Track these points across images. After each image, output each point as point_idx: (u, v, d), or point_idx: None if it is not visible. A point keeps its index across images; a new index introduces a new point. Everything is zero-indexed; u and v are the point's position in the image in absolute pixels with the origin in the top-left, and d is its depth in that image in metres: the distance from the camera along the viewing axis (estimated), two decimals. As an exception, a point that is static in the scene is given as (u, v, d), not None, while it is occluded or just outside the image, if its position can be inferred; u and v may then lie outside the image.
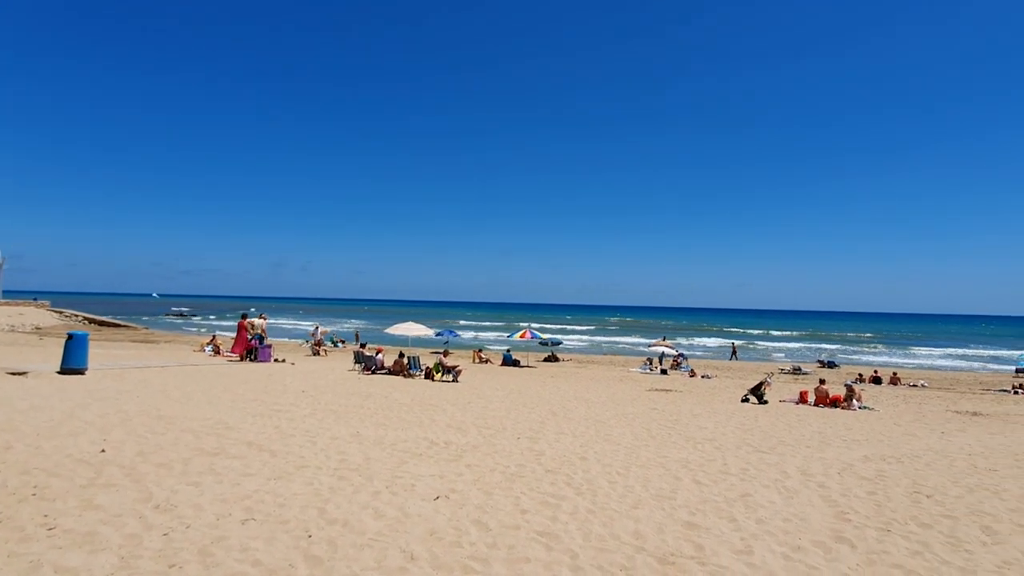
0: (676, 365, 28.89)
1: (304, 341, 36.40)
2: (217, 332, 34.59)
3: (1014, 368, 32.62)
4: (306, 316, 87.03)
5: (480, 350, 31.14)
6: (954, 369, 37.07)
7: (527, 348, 33.53)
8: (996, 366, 38.78)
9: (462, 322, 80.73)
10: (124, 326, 50.34)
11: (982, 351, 52.35)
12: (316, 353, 28.98)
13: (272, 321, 35.78)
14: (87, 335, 14.80)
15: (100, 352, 21.96)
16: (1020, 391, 22.43)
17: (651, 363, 29.01)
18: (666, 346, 30.87)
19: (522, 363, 28.39)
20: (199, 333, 47.09)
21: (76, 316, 53.11)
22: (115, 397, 10.98)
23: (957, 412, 15.69)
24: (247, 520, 4.98)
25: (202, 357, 23.30)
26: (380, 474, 6.72)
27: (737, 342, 48.50)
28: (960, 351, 52.28)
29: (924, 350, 53.12)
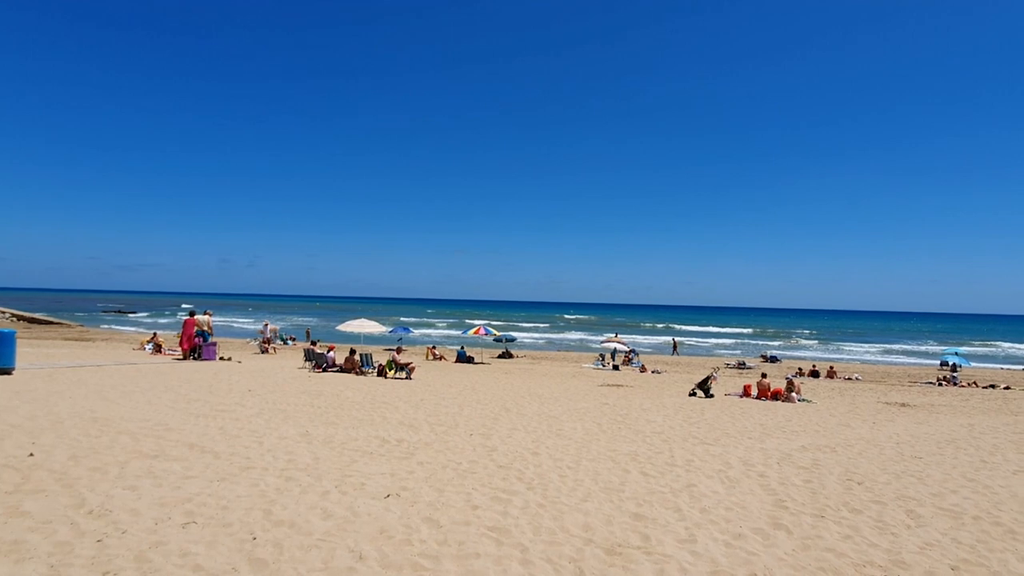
0: (628, 361, 29.46)
1: (252, 339, 35.34)
2: (158, 330, 33.17)
3: (939, 362, 34.69)
4: (254, 313, 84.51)
5: (434, 347, 30.97)
6: (886, 363, 39.17)
7: (481, 345, 33.56)
8: (923, 360, 41.19)
9: (416, 319, 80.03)
10: (56, 323, 47.64)
11: (912, 346, 55.47)
12: (265, 351, 28.21)
13: (218, 318, 34.63)
14: (14, 333, 13.97)
15: (29, 351, 20.75)
16: (944, 383, 23.92)
17: (603, 359, 29.50)
18: (618, 342, 31.40)
19: (476, 360, 28.40)
20: (138, 331, 45.05)
21: (3, 313, 49.94)
22: (45, 398, 10.42)
23: (887, 403, 16.60)
24: (188, 524, 4.82)
25: (142, 356, 22.34)
26: (329, 473, 6.62)
27: (683, 339, 49.82)
28: (892, 346, 55.25)
29: (859, 346, 55.90)
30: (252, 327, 48.85)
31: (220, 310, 73.52)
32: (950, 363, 29.77)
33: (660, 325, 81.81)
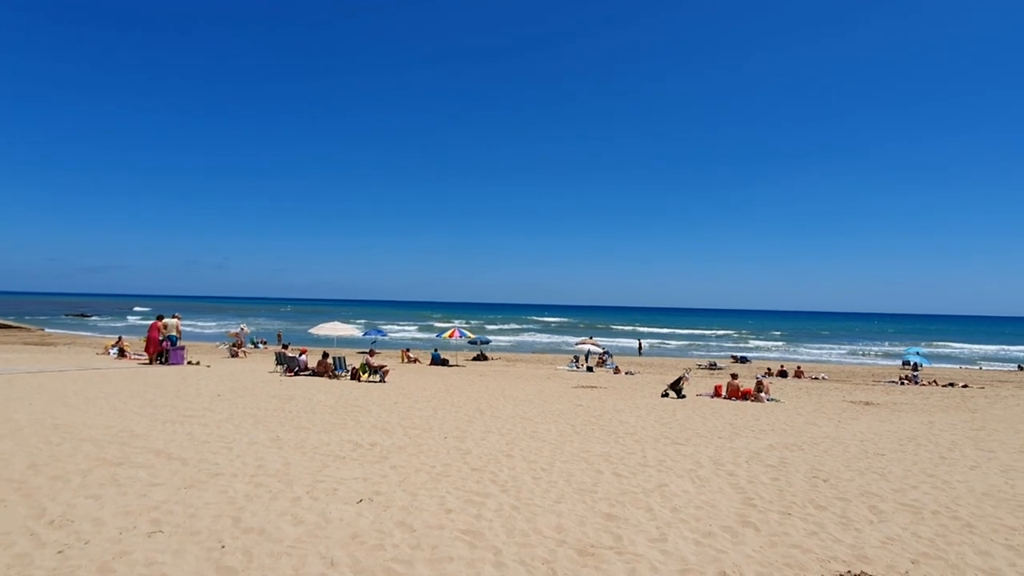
0: (602, 362, 29.68)
1: (221, 342, 34.64)
2: (122, 334, 32.31)
3: (901, 361, 35.74)
4: (223, 316, 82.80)
5: (408, 350, 30.76)
6: (851, 363, 40.19)
7: (456, 347, 33.47)
8: (886, 360, 42.38)
9: (390, 321, 79.37)
10: (16, 327, 46.02)
11: (876, 347, 57.02)
12: (235, 355, 27.68)
13: (187, 322, 33.86)
14: (-31, 338, 13.46)
15: (-15, 356, 20.00)
16: (906, 382, 24.66)
17: (578, 361, 29.67)
18: (592, 344, 31.64)
19: (451, 362, 28.31)
20: (102, 335, 43.78)
21: (-43, 317, 48.05)
22: (3, 404, 10.08)
23: (852, 402, 17.05)
24: (154, 533, 4.72)
25: (106, 360, 21.74)
26: (300, 479, 6.53)
27: (656, 341, 50.37)
28: (857, 347, 56.71)
29: (826, 346, 57.25)
30: (220, 330, 47.82)
31: (188, 313, 71.90)
32: (911, 362, 30.71)
33: (627, 327, 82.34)
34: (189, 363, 20.79)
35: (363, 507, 5.65)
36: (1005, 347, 57.01)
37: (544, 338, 60.02)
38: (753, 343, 58.86)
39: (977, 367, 37.58)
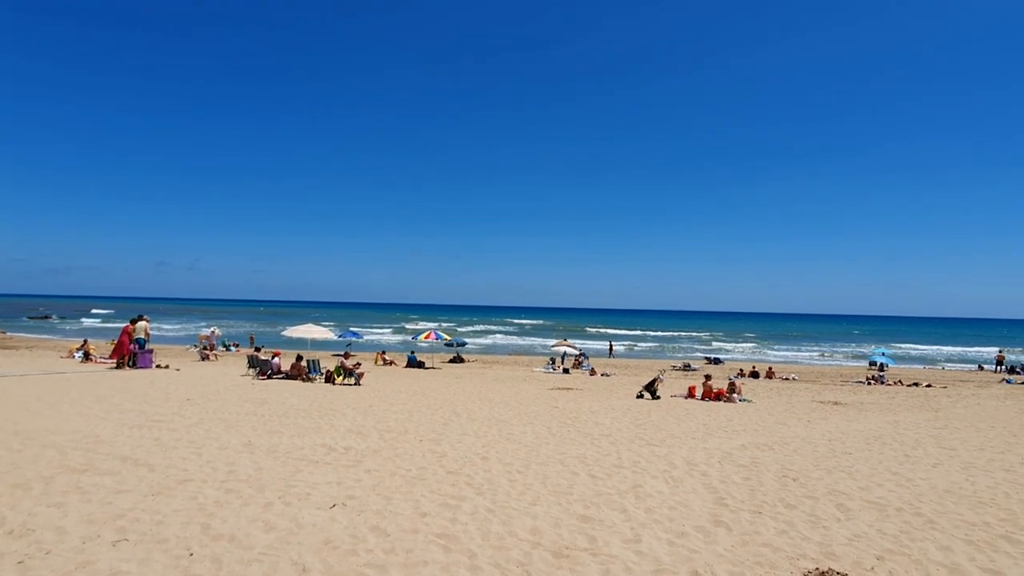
0: (578, 364, 29.83)
1: (192, 345, 33.92)
2: (88, 337, 31.43)
3: (868, 362, 36.64)
4: (195, 318, 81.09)
5: (384, 352, 30.52)
6: (820, 364, 41.08)
7: (432, 350, 33.31)
8: (854, 361, 43.41)
9: (366, 324, 78.65)
10: (-28, 330, 44.42)
11: (844, 348, 58.35)
12: (205, 358, 27.14)
13: (156, 324, 33.07)
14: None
15: (-59, 360, 19.27)
16: (873, 382, 25.29)
17: (554, 363, 29.78)
18: (568, 346, 31.79)
19: (427, 365, 28.17)
20: (67, 338, 42.52)
21: (-90, 319, 46.17)
22: (-41, 411, 9.71)
23: (821, 402, 17.42)
24: (119, 541, 4.60)
25: (71, 364, 21.11)
26: (272, 484, 6.43)
27: (632, 343, 50.81)
28: (826, 348, 57.97)
29: (796, 347, 58.41)
30: (189, 333, 46.80)
31: (158, 315, 70.25)
32: (878, 363, 31.50)
33: (600, 329, 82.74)
34: (158, 367, 20.31)
35: (336, 512, 5.59)
36: (967, 348, 58.82)
37: (520, 340, 60.09)
38: (726, 344, 59.75)
39: (940, 367, 38.72)
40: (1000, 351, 38.93)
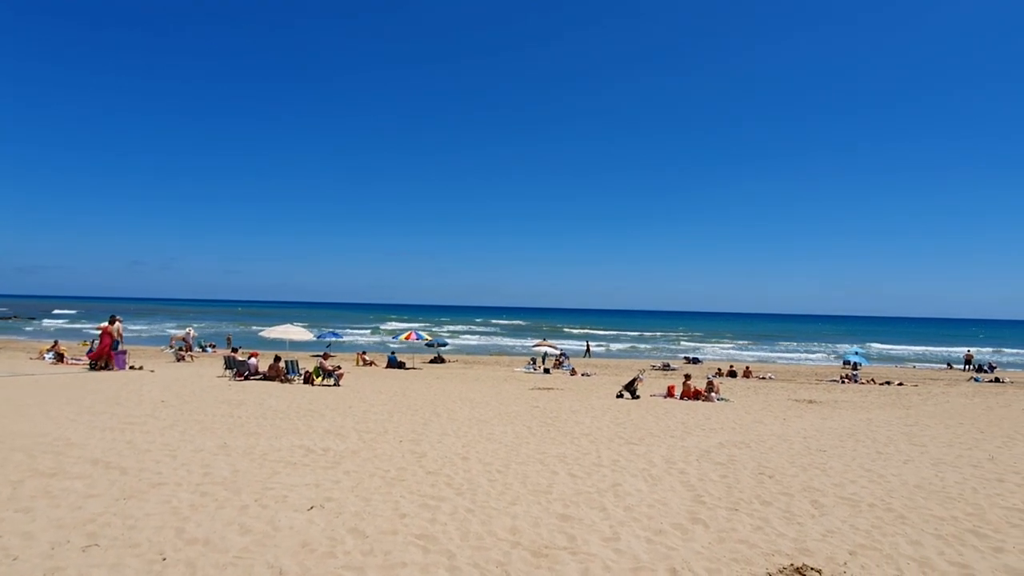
0: (558, 364, 29.92)
1: (167, 346, 33.30)
2: (59, 338, 30.69)
3: (842, 361, 37.34)
4: (170, 318, 79.63)
5: (364, 353, 30.29)
6: (796, 363, 41.77)
7: (412, 350, 33.14)
8: (829, 360, 44.21)
9: (346, 324, 77.98)
10: (-64, 331, 43.09)
11: (819, 347, 59.39)
12: (181, 359, 26.67)
13: (129, 325, 32.40)
14: None
15: (-97, 362, 18.67)
16: (846, 381, 25.79)
17: (535, 363, 29.83)
18: (549, 346, 31.87)
19: (407, 365, 28.02)
20: (37, 339, 41.45)
21: None
22: (-78, 415, 9.43)
23: (797, 400, 17.72)
24: (89, 547, 4.50)
25: (41, 366, 20.61)
26: (249, 487, 6.35)
27: (611, 344, 51.12)
28: (802, 347, 58.97)
29: (773, 347, 59.31)
30: (164, 334, 45.89)
31: (131, 316, 68.85)
32: (851, 362, 32.11)
33: (574, 329, 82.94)
34: (131, 368, 19.92)
35: (314, 514, 5.53)
36: (937, 348, 60.25)
37: (501, 340, 60.10)
38: (705, 344, 60.43)
39: (911, 366, 39.60)
40: (968, 350, 39.97)
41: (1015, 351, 56.87)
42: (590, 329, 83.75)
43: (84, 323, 58.74)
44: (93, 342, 21.65)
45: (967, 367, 35.80)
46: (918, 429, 12.33)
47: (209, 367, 23.02)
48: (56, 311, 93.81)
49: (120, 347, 20.08)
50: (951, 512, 6.33)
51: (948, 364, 39.30)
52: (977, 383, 26.51)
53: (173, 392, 14.18)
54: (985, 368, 33.84)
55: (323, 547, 4.73)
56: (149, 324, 64.86)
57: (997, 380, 27.78)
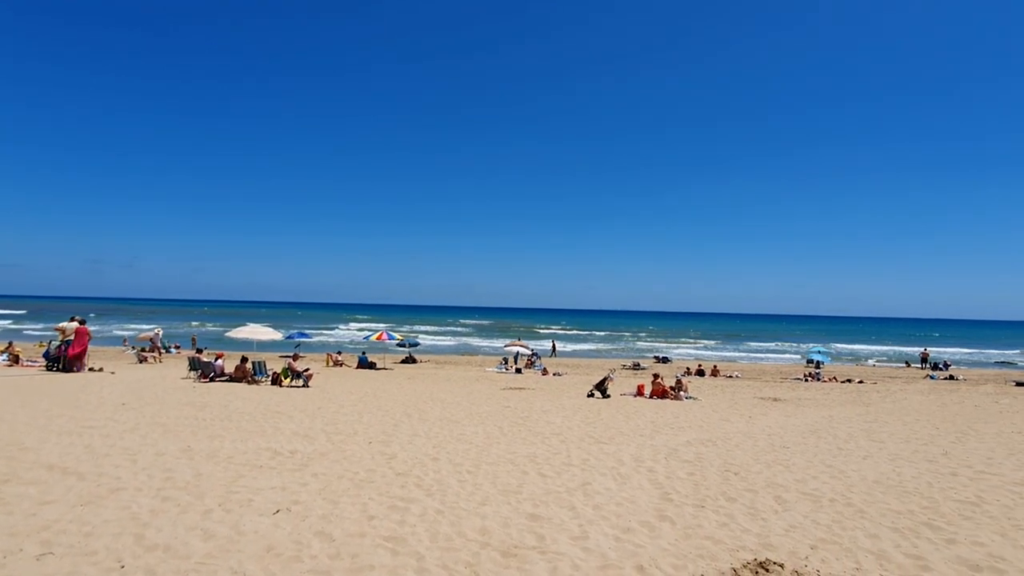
0: (530, 364, 29.99)
1: (131, 347, 32.34)
2: (14, 339, 29.54)
3: (806, 360, 38.27)
4: (132, 318, 77.32)
5: (336, 353, 29.89)
6: (762, 361, 42.66)
7: (384, 350, 32.84)
8: (793, 359, 45.27)
9: (315, 324, 76.81)
10: None
11: (784, 346, 60.76)
12: (143, 360, 25.94)
13: (89, 327, 31.30)
14: None
15: None
16: (810, 379, 26.46)
17: (506, 362, 29.85)
18: (521, 346, 31.91)
19: (378, 365, 27.75)
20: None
21: None
22: None
23: (762, 399, 18.10)
24: (43, 555, 4.35)
25: (-9, 368, 19.79)
26: (213, 491, 6.21)
27: (576, 344, 51.44)
28: (767, 346, 60.25)
29: (740, 346, 60.47)
30: (116, 335, 44.46)
31: (91, 316, 66.52)
32: (815, 361, 32.92)
33: (544, 328, 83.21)
34: (91, 370, 19.29)
35: (280, 518, 5.44)
36: (895, 347, 62.21)
37: (473, 340, 59.97)
38: (674, 344, 61.29)
39: (871, 365, 40.81)
40: (924, 349, 41.39)
41: (969, 350, 59.09)
42: (562, 329, 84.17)
43: (29, 324, 56.66)
44: (51, 343, 20.87)
45: (924, 365, 37.07)
46: (877, 426, 12.72)
47: (173, 368, 22.45)
48: (2, 310, 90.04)
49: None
50: (907, 506, 6.55)
51: (906, 363, 40.63)
52: (933, 381, 27.47)
53: (134, 394, 13.78)
54: (940, 366, 35.09)
55: (289, 551, 4.66)
56: (110, 324, 62.85)
57: (952, 378, 28.84)
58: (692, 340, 67.60)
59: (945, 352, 51.23)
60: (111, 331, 51.62)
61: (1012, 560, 4.96)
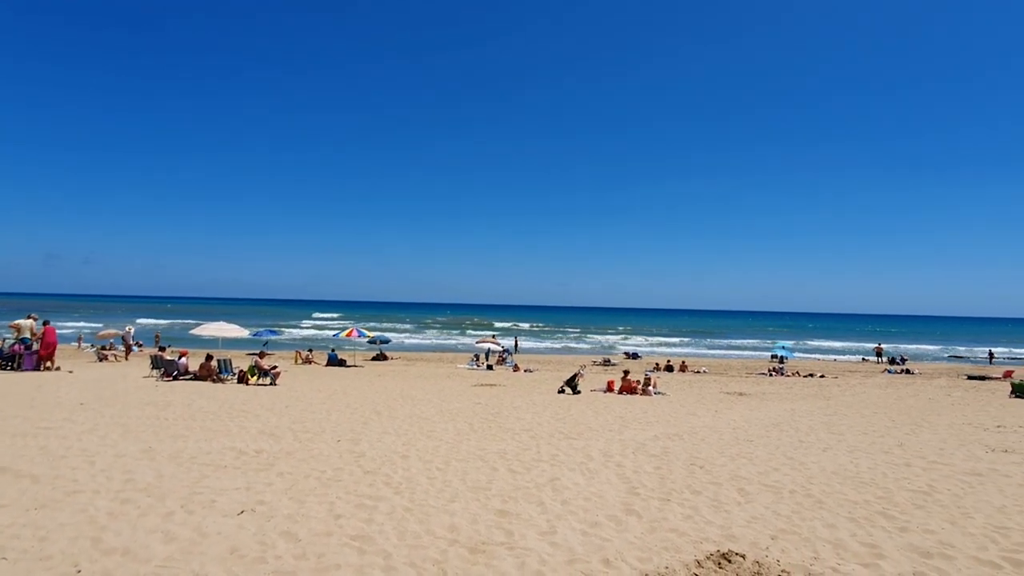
0: (501, 360, 30.04)
1: (91, 345, 31.34)
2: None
3: (770, 355, 39.18)
4: (92, 316, 74.90)
5: (307, 350, 29.45)
6: (728, 357, 43.53)
7: (354, 347, 32.50)
8: (758, 354, 46.29)
9: (284, 321, 75.54)
10: None
11: (750, 342, 62.08)
12: (103, 359, 25.17)
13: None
14: None
15: None
16: (773, 373, 27.11)
17: (478, 359, 29.84)
18: (492, 342, 31.94)
19: (348, 363, 27.47)
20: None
21: None
22: None
23: (728, 393, 18.49)
24: (-6, 561, 4.20)
25: (-61, 368, 18.94)
26: (175, 492, 6.08)
27: (548, 340, 51.70)
28: (734, 342, 61.47)
29: (707, 342, 61.58)
30: (81, 330, 43.06)
31: (47, 313, 64.19)
32: (779, 356, 33.76)
33: (512, 324, 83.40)
34: (47, 368, 18.64)
35: (244, 518, 5.36)
36: (854, 343, 64.11)
37: (445, 337, 59.76)
38: (644, 340, 62.08)
39: (832, 360, 42.00)
40: (878, 344, 42.87)
41: (928, 346, 61.26)
42: (534, 325, 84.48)
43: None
44: (4, 340, 20.06)
45: (879, 359, 38.40)
46: (837, 418, 13.11)
47: (134, 367, 21.85)
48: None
49: (34, 346, 18.75)
50: (863, 496, 6.78)
51: (863, 358, 41.96)
52: (890, 375, 28.42)
53: (93, 394, 13.38)
54: (897, 360, 36.32)
55: (253, 552, 4.59)
56: (67, 321, 60.75)
57: (908, 372, 29.89)
58: (662, 337, 68.54)
59: (903, 348, 53.03)
60: (67, 328, 49.92)
61: (960, 547, 5.18)
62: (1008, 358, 44.46)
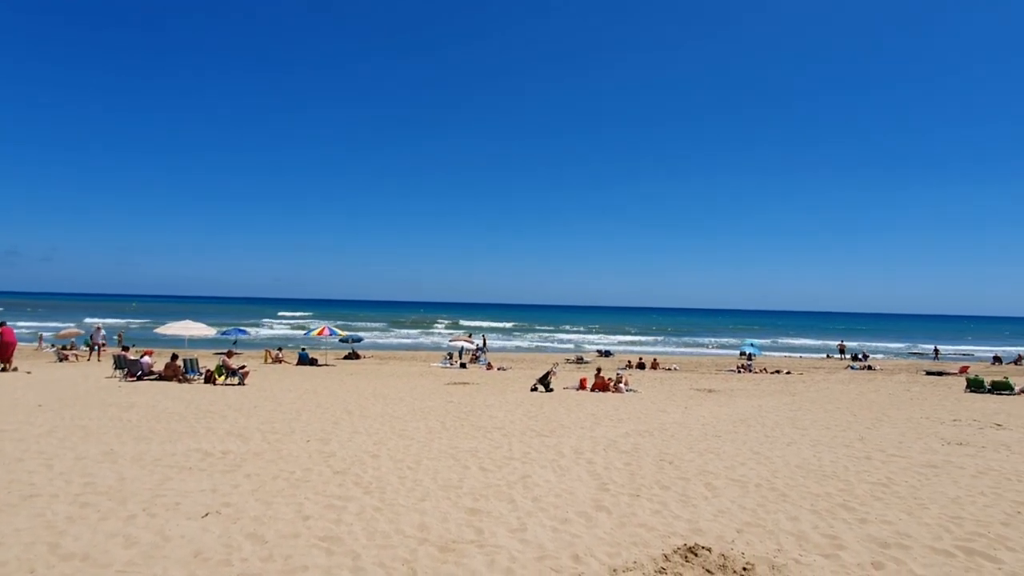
0: (475, 359, 30.00)
1: (50, 345, 30.32)
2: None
3: (739, 352, 39.95)
4: (52, 314, 72.43)
5: (277, 349, 28.97)
6: (699, 354, 44.21)
7: (326, 346, 32.10)
8: (727, 351, 47.15)
9: (254, 320, 74.17)
10: None
11: (720, 339, 63.16)
12: (64, 359, 24.39)
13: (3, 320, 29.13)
14: None
15: None
16: (742, 370, 27.64)
17: (451, 357, 29.75)
18: (466, 341, 31.87)
19: (320, 362, 27.11)
20: None
21: None
22: None
23: (698, 390, 18.79)
24: (-57, 570, 4.05)
25: None
26: (137, 495, 5.93)
27: (519, 338, 51.75)
28: (703, 339, 62.47)
29: (678, 339, 62.47)
30: (39, 328, 41.62)
31: (5, 312, 61.97)
32: (747, 353, 34.43)
33: (489, 323, 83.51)
34: (4, 370, 17.99)
35: (209, 521, 5.26)
36: (818, 340, 65.73)
37: (418, 335, 59.42)
38: (616, 338, 62.66)
39: (798, 356, 43.00)
40: (841, 341, 44.12)
41: (892, 344, 63.15)
42: (507, 323, 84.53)
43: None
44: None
45: (842, 356, 39.52)
46: (801, 414, 13.44)
47: (96, 367, 21.23)
48: None
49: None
50: (825, 489, 6.97)
51: (827, 354, 43.05)
52: (853, 371, 29.22)
53: (53, 395, 12.96)
54: (860, 357, 37.36)
55: (218, 555, 4.51)
56: (26, 320, 58.64)
57: (870, 368, 30.76)
58: (634, 334, 69.28)
59: (867, 345, 54.53)
60: (26, 328, 48.19)
61: (917, 536, 5.36)
62: (962, 354, 46.21)
